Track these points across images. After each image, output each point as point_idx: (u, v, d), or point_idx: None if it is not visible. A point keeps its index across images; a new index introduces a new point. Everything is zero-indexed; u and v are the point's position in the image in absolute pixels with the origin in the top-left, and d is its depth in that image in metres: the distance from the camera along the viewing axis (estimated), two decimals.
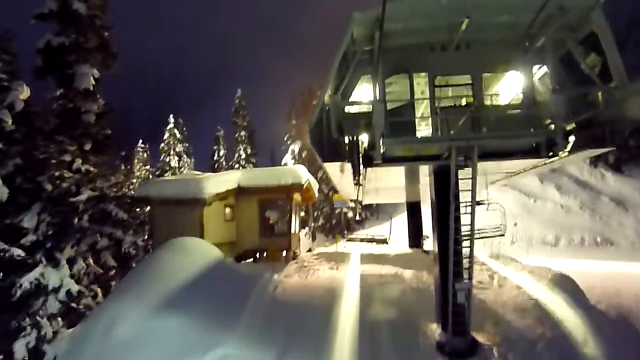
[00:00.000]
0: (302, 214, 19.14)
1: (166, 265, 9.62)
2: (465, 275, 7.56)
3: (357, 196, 11.84)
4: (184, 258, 9.98)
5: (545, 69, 8.01)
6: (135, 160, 41.48)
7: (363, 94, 8.74)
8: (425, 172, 9.37)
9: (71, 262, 10.43)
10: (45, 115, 11.67)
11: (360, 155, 7.59)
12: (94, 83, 11.68)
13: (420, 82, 8.71)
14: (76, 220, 10.87)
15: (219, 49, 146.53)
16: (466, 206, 7.38)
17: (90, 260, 11.32)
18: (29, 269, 9.25)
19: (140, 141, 42.34)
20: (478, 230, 8.17)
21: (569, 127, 7.24)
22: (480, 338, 8.04)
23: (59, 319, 9.50)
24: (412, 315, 8.83)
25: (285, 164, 34.14)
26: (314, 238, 23.43)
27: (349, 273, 11.49)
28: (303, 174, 14.67)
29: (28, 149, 10.58)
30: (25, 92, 10.36)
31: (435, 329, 8.33)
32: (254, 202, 14.47)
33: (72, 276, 10.07)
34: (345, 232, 30.95)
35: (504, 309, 9.12)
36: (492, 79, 9.09)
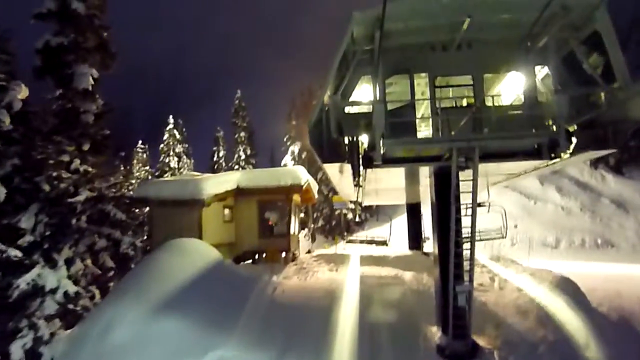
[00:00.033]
0: (302, 215, 19.09)
1: (164, 266, 9.57)
2: (466, 278, 7.50)
3: (357, 197, 11.79)
4: (182, 259, 9.93)
5: (547, 69, 7.96)
6: (135, 161, 41.42)
7: (363, 94, 8.68)
8: (425, 173, 9.33)
9: (69, 263, 10.38)
10: (44, 115, 11.63)
11: (360, 156, 7.54)
12: (92, 83, 11.68)
13: (421, 82, 8.63)
14: (74, 220, 10.82)
15: (219, 49, 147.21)
16: (467, 208, 7.30)
17: (88, 261, 11.27)
18: (26, 270, 9.22)
19: (140, 142, 42.45)
20: (479, 232, 8.11)
21: (571, 128, 7.19)
22: (481, 341, 7.98)
23: (57, 320, 9.42)
24: (412, 318, 8.77)
25: (285, 165, 34.12)
26: (313, 239, 23.33)
27: (348, 275, 11.42)
28: (302, 175, 14.63)
29: (26, 149, 10.52)
30: (23, 92, 10.31)
31: (435, 332, 8.27)
32: (253, 203, 14.42)
33: (69, 277, 10.05)
34: (345, 233, 30.91)
35: (504, 312, 9.05)
36: (494, 80, 9.02)
